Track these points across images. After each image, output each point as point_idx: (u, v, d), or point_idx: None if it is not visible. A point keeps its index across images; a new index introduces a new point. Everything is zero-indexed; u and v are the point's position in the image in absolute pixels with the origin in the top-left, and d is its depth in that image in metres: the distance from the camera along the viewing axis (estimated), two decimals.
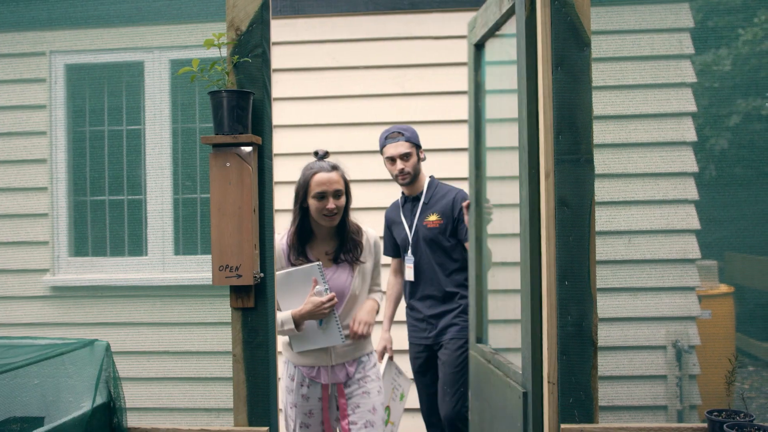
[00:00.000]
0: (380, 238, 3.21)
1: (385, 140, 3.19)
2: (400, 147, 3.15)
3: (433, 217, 3.19)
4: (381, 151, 3.27)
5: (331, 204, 2.46)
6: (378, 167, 3.67)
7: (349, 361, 2.65)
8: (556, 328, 2.35)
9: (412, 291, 3.32)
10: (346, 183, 2.53)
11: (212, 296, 2.90)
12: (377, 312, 2.75)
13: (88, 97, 3.22)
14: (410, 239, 3.25)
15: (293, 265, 2.55)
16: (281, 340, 2.62)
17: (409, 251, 3.25)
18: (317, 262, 2.50)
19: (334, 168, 2.52)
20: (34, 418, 2.52)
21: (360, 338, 2.59)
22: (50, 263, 3.16)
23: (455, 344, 3.13)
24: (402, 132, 3.17)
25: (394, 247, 3.44)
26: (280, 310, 2.56)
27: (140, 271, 3.13)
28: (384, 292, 2.95)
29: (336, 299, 2.50)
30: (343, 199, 2.51)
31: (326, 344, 2.54)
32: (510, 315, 2.75)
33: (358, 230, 2.64)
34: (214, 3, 2.87)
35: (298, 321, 2.49)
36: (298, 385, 2.61)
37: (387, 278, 3.51)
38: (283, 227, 3.58)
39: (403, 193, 3.36)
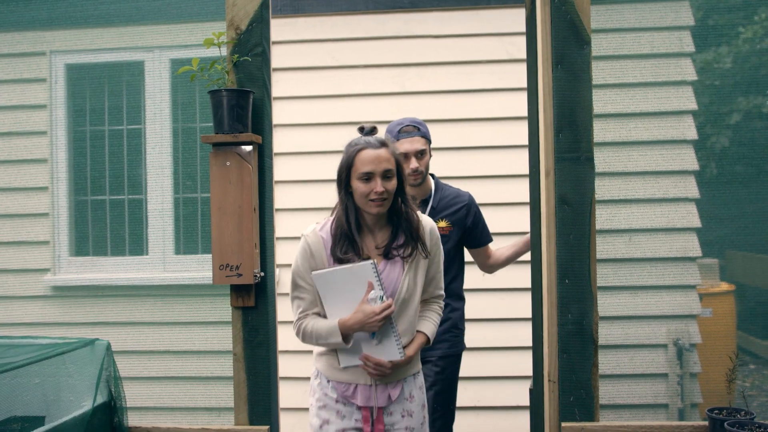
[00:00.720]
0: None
1: (399, 134, 2.76)
2: (416, 143, 2.75)
3: (442, 224, 2.81)
4: None
5: (379, 187, 2.04)
6: None
7: (393, 382, 2.15)
8: (556, 326, 2.35)
9: None
10: (399, 163, 2.10)
11: (213, 295, 2.90)
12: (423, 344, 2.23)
13: (88, 96, 3.22)
14: None
15: (340, 261, 2.11)
16: (315, 351, 2.24)
17: None
18: (370, 261, 2.07)
19: (383, 144, 2.09)
20: (35, 418, 2.53)
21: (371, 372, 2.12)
22: (51, 263, 3.16)
23: (445, 362, 2.84)
24: (418, 126, 2.80)
25: None
26: (324, 316, 2.15)
27: (141, 270, 3.13)
28: (444, 300, 2.36)
29: (393, 308, 2.08)
30: (394, 182, 2.08)
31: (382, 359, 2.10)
32: None
33: (417, 219, 2.15)
34: (214, 2, 2.87)
35: (345, 332, 2.08)
36: (332, 401, 2.18)
37: None
38: (283, 227, 3.58)
39: None
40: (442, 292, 2.28)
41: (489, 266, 3.00)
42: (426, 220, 2.19)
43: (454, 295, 2.87)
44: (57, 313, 3.14)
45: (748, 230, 2.72)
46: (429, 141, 2.84)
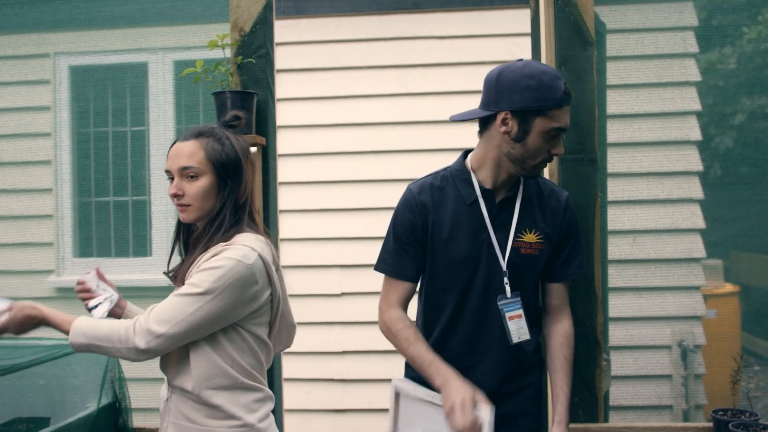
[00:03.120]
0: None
1: (563, 99, 1.64)
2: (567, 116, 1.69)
3: (531, 237, 1.75)
4: (543, 112, 1.63)
5: (171, 188, 1.58)
6: (385, 167, 3.60)
7: None
8: None
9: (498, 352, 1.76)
10: (215, 161, 1.57)
11: None
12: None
13: (92, 98, 3.23)
14: (504, 265, 1.74)
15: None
16: None
17: (507, 286, 1.74)
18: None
19: (199, 135, 1.58)
20: (40, 419, 2.53)
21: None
22: (55, 264, 3.17)
23: None
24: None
25: (417, 266, 1.79)
26: None
27: (145, 271, 3.14)
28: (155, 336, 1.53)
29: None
30: (201, 182, 1.56)
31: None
32: None
33: (211, 243, 1.64)
34: (218, 4, 2.87)
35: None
36: None
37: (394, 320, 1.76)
38: (288, 228, 3.59)
39: (479, 183, 1.79)
40: (249, 383, 1.51)
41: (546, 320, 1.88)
42: (231, 253, 1.54)
43: (539, 348, 1.88)
44: None
45: (753, 231, 2.72)
46: None
